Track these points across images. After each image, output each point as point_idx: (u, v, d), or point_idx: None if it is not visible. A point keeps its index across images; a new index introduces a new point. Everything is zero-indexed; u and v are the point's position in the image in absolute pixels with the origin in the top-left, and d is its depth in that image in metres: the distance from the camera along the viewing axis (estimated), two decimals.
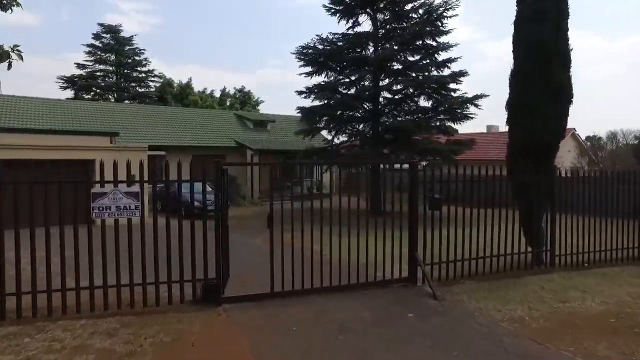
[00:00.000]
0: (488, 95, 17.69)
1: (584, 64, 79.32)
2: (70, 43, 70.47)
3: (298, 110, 19.32)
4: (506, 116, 9.16)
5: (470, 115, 18.47)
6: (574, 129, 30.43)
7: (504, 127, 32.67)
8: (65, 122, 21.51)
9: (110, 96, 45.28)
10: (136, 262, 5.93)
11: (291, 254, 6.75)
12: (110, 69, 46.44)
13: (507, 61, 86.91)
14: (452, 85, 18.48)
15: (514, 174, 8.79)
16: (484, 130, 35.06)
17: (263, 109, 49.91)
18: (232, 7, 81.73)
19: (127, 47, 46.62)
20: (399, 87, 18.65)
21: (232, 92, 51.45)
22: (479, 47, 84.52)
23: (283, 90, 79.56)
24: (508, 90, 9.04)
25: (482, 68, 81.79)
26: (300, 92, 19.70)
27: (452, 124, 19.25)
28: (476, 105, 18.16)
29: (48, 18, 66.85)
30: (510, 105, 9.00)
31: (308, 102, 19.84)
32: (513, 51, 8.94)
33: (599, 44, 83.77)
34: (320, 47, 18.90)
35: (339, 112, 19.24)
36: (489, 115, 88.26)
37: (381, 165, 15.24)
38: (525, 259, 8.58)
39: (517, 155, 8.87)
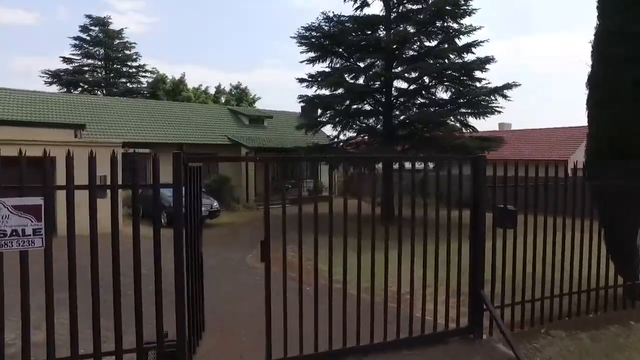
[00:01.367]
0: (519, 85, 15.30)
1: None
2: (67, 43, 67.96)
3: (300, 100, 16.89)
4: (586, 98, 6.77)
5: (496, 109, 16.10)
6: None
7: (516, 125, 30.33)
8: (33, 115, 18.98)
9: (99, 92, 42.63)
10: (40, 312, 3.51)
11: (299, 294, 4.31)
12: (99, 63, 43.91)
13: (506, 61, 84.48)
14: (477, 74, 16.11)
15: (594, 175, 6.38)
16: (496, 128, 32.89)
17: (260, 107, 47.43)
18: (231, 7, 79.08)
19: (117, 41, 44.11)
20: (416, 74, 16.21)
21: (227, 89, 49.05)
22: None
23: (282, 90, 77.27)
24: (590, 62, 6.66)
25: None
26: (301, 80, 17.26)
27: (473, 118, 16.87)
28: (504, 97, 15.79)
29: (45, 18, 64.08)
30: (594, 83, 6.60)
31: (311, 93, 17.35)
32: (598, 7, 6.54)
33: None
34: (326, 27, 16.45)
35: (346, 103, 16.80)
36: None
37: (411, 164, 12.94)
38: (621, 293, 6.19)
39: (603, 151, 6.46)
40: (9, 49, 62.73)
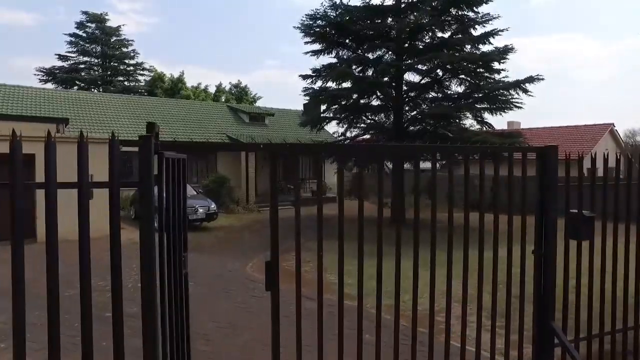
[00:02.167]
0: (543, 79, 14.14)
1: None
2: (64, 42, 66.83)
3: (304, 92, 15.73)
4: None
5: (516, 104, 14.94)
6: (613, 124, 26.99)
7: (525, 124, 29.31)
8: (17, 111, 17.79)
9: (95, 90, 41.49)
10: None
11: (318, 327, 3.15)
12: (96, 61, 42.76)
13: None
14: (496, 66, 14.92)
15: None
16: (505, 127, 31.83)
17: (261, 106, 46.33)
18: (230, 8, 77.94)
19: (114, 38, 42.98)
20: (430, 66, 15.03)
21: (228, 87, 47.98)
22: None
23: (282, 91, 76.29)
24: None
25: None
26: (305, 77, 16.10)
27: (489, 114, 15.72)
28: (525, 91, 14.61)
29: (45, 18, 62.83)
30: None
31: (315, 87, 16.19)
32: None
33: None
34: (332, 14, 15.26)
35: (354, 97, 15.65)
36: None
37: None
38: None
39: None
40: (8, 50, 61.82)
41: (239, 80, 49.24)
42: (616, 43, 75.28)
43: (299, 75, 16.23)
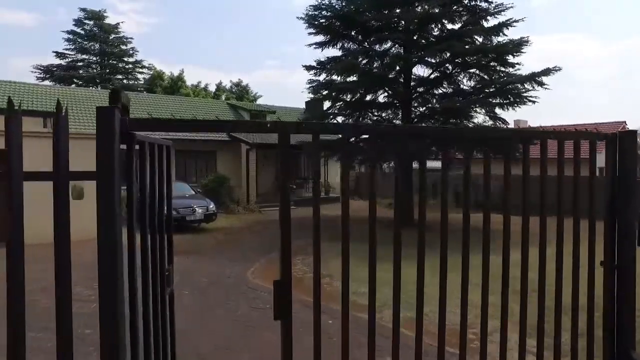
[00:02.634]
0: (560, 69, 13.37)
1: None
2: (63, 40, 65.97)
3: (309, 85, 14.97)
4: None
5: (530, 98, 14.17)
6: (625, 122, 26.20)
7: (532, 123, 28.49)
8: None
9: (93, 88, 40.72)
10: None
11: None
12: (94, 58, 42.02)
13: None
14: (510, 59, 14.17)
15: None
16: (512, 125, 31.03)
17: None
18: (230, 9, 77.10)
19: (113, 36, 42.25)
20: (439, 59, 14.26)
21: (228, 86, 47.26)
22: None
23: (282, 91, 75.65)
24: None
25: None
26: (309, 67, 15.33)
27: (501, 109, 14.99)
28: (541, 85, 13.85)
29: (45, 18, 61.96)
30: None
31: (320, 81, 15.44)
32: None
33: None
34: (338, 5, 14.50)
35: (360, 92, 14.89)
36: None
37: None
38: None
39: None
40: (8, 50, 61.14)
41: (239, 79, 48.50)
42: (616, 43, 74.52)
43: (303, 66, 15.44)
